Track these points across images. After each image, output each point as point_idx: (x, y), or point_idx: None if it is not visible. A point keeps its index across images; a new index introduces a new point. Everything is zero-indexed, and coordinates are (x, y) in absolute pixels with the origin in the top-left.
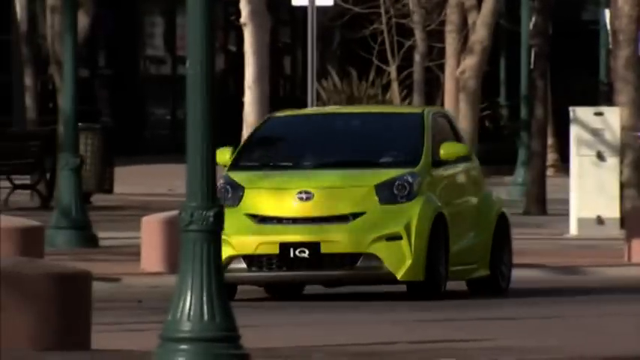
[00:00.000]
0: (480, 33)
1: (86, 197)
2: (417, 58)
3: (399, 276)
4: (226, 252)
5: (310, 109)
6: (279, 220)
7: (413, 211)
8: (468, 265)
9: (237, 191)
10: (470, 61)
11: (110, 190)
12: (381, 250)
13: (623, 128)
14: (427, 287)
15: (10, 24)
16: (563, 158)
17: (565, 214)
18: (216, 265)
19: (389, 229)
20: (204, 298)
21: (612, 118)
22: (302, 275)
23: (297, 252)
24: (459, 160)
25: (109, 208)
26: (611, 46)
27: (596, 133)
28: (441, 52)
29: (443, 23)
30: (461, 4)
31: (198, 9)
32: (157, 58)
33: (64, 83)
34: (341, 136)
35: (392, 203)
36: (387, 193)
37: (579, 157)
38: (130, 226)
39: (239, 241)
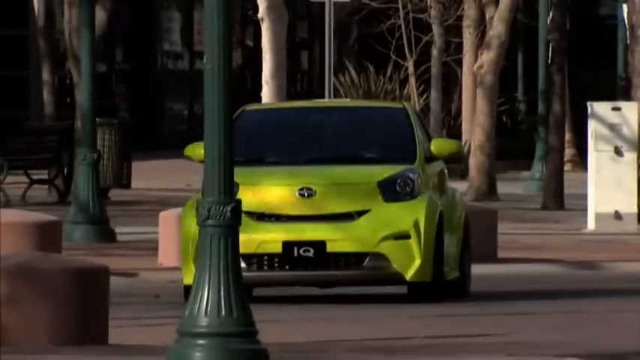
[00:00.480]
0: (497, 28)
1: (104, 192)
2: (434, 53)
3: (407, 277)
4: None
5: (282, 103)
6: (279, 218)
7: (419, 210)
8: (447, 267)
9: None
10: (487, 56)
11: (128, 185)
12: (389, 249)
13: None
14: (434, 289)
15: (28, 19)
16: (581, 153)
17: (583, 209)
18: (234, 260)
19: (397, 227)
20: (222, 293)
21: (630, 113)
22: (306, 275)
23: (301, 251)
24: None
25: (126, 203)
26: (628, 41)
27: (613, 128)
28: (459, 47)
29: (460, 18)
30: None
31: (215, 4)
32: (175, 53)
33: (81, 78)
34: (326, 130)
35: (395, 200)
36: (391, 190)
37: (597, 153)
38: (148, 221)
39: (240, 239)
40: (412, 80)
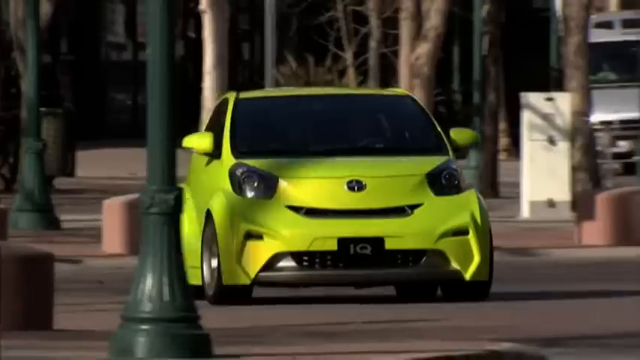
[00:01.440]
0: (433, 20)
1: (49, 181)
2: (372, 44)
3: (467, 276)
4: (272, 248)
5: (278, 91)
6: (329, 213)
7: (473, 204)
8: None
9: (268, 181)
10: (424, 48)
11: (72, 174)
12: (448, 246)
13: (573, 113)
14: (488, 289)
15: None
16: (516, 142)
17: (517, 197)
18: (176, 247)
19: (455, 222)
20: (164, 280)
21: (563, 104)
22: (362, 274)
23: (357, 248)
24: None
25: (71, 191)
26: (562, 33)
27: (547, 118)
28: (396, 39)
29: (398, 10)
30: None
31: None
32: (119, 45)
33: (26, 69)
34: (342, 120)
35: (445, 194)
36: (439, 183)
37: (531, 142)
38: (92, 209)
39: (290, 236)
40: (351, 71)
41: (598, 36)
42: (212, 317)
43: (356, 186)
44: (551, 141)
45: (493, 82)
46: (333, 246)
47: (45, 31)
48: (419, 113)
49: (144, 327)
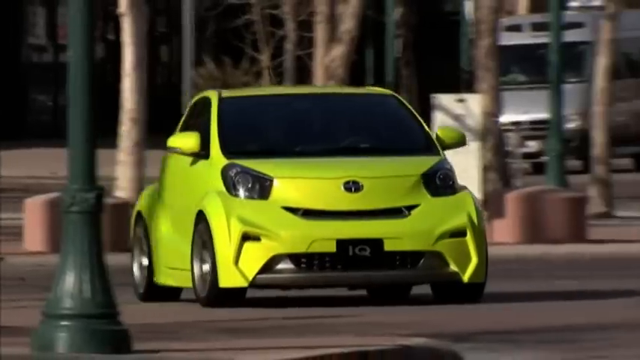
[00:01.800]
0: (347, 24)
1: None
2: (288, 47)
3: (465, 278)
4: (270, 250)
5: (259, 90)
6: (327, 214)
7: (469, 205)
8: None
9: (261, 181)
10: (338, 51)
11: None
12: (446, 247)
13: (484, 114)
14: (482, 291)
15: None
16: None
17: None
18: (97, 245)
19: (452, 223)
20: (85, 277)
21: (473, 105)
22: (360, 276)
23: (356, 250)
24: None
25: None
26: (472, 36)
27: (458, 118)
28: (311, 42)
29: (313, 14)
30: None
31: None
32: (40, 46)
33: None
34: (328, 119)
35: (441, 195)
36: (434, 183)
37: None
38: (13, 207)
39: (288, 237)
40: (267, 73)
41: (508, 39)
42: (138, 313)
43: (353, 187)
44: None
45: (405, 84)
46: (331, 248)
47: None
48: (405, 112)
49: (64, 323)
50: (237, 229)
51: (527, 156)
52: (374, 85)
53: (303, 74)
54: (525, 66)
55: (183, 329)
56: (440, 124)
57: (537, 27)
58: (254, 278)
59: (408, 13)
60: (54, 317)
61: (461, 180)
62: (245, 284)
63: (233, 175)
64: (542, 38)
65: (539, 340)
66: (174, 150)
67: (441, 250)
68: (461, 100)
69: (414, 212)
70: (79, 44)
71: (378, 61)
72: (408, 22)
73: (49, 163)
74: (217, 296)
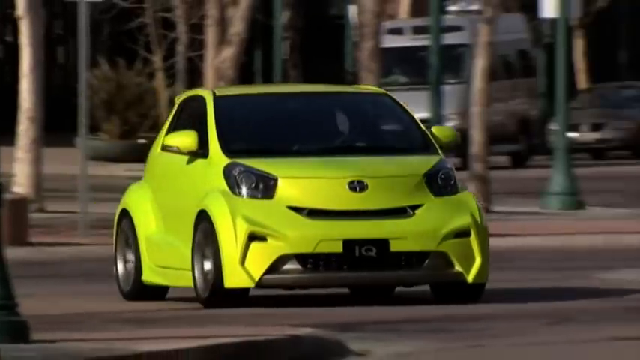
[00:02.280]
0: (237, 27)
1: None
2: (180, 49)
3: (470, 278)
4: (277, 250)
5: (252, 88)
6: (332, 214)
7: (471, 205)
8: None
9: (266, 181)
10: (228, 52)
11: None
12: (451, 248)
13: None
14: (483, 290)
15: None
16: None
17: None
18: None
19: (457, 223)
20: None
21: None
22: (365, 276)
23: (363, 250)
24: None
25: None
26: (356, 39)
27: None
28: (202, 44)
29: (204, 17)
30: (220, 0)
31: None
32: None
33: None
34: (325, 118)
35: (443, 195)
36: (435, 183)
37: None
38: None
39: (295, 237)
40: (159, 74)
41: (390, 41)
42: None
43: (358, 186)
44: None
45: (293, 83)
46: (338, 248)
47: None
48: (401, 111)
49: None
50: (243, 229)
51: None
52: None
53: (194, 75)
54: (406, 67)
55: (87, 320)
56: None
57: (418, 30)
58: (260, 278)
59: (295, 16)
60: None
61: None
62: (252, 284)
63: (236, 174)
64: (422, 41)
65: (419, 330)
66: (170, 149)
67: (446, 250)
68: None
69: (418, 212)
70: None
71: (266, 62)
72: (294, 26)
73: None
74: (221, 296)
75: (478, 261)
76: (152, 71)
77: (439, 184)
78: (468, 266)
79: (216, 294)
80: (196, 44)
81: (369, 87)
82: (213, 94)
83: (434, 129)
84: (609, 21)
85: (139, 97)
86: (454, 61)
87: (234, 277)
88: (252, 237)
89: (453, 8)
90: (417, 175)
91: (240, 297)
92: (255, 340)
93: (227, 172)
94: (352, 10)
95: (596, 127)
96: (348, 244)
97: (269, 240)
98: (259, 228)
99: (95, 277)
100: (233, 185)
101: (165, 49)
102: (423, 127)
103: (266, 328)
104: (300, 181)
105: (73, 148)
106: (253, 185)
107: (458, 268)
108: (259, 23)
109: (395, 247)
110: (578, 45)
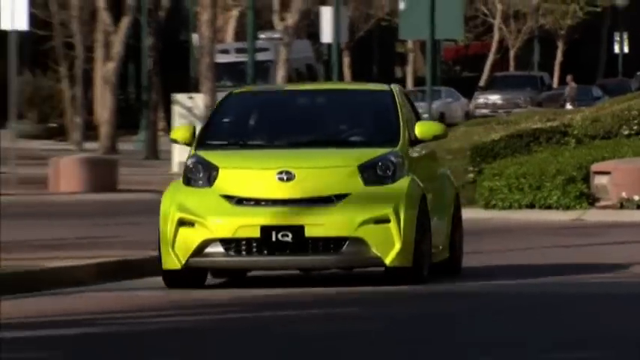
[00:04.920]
0: (117, 48)
1: None
2: (78, 63)
3: (387, 261)
4: (201, 235)
5: (270, 86)
6: (258, 202)
7: (400, 193)
8: (435, 249)
9: (209, 171)
10: (111, 66)
11: None
12: (368, 233)
13: (205, 107)
14: (414, 274)
15: None
16: (169, 125)
17: (170, 159)
18: None
19: (376, 211)
20: None
21: (199, 101)
22: (284, 260)
23: (279, 236)
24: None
25: None
26: (198, 56)
27: (189, 110)
28: (93, 59)
29: (94, 41)
30: (105, 29)
31: None
32: None
33: None
34: (311, 113)
35: (376, 184)
36: (371, 174)
37: (178, 124)
38: None
39: (216, 223)
40: (64, 80)
41: (220, 58)
42: None
43: (285, 176)
44: (195, 125)
45: (155, 87)
46: (256, 233)
47: None
48: (388, 107)
49: None
50: (174, 216)
51: None
52: (135, 88)
53: (88, 81)
54: (232, 76)
55: (6, 246)
56: (177, 112)
57: (240, 50)
58: (187, 261)
59: (156, 41)
60: None
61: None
62: (179, 266)
63: (190, 165)
64: (242, 58)
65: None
66: (174, 141)
67: (363, 235)
68: (191, 97)
69: (343, 201)
70: None
71: (137, 72)
72: (156, 47)
73: None
74: (165, 279)
75: (397, 246)
76: (59, 78)
77: (377, 174)
78: (385, 251)
79: (163, 275)
80: (89, 59)
81: (379, 85)
82: (231, 92)
83: (417, 125)
84: (367, 45)
85: (50, 95)
86: (263, 72)
87: (168, 260)
88: (182, 222)
89: (262, 35)
90: (350, 167)
91: (175, 278)
92: (127, 259)
93: (185, 163)
94: (195, 37)
95: None
96: (266, 229)
97: (196, 226)
98: (188, 215)
99: (21, 217)
100: (185, 174)
101: (68, 62)
102: (400, 121)
103: (135, 252)
104: (236, 171)
105: (5, 129)
106: (200, 175)
107: (375, 252)
108: (132, 45)
109: (310, 232)
110: (346, 61)
